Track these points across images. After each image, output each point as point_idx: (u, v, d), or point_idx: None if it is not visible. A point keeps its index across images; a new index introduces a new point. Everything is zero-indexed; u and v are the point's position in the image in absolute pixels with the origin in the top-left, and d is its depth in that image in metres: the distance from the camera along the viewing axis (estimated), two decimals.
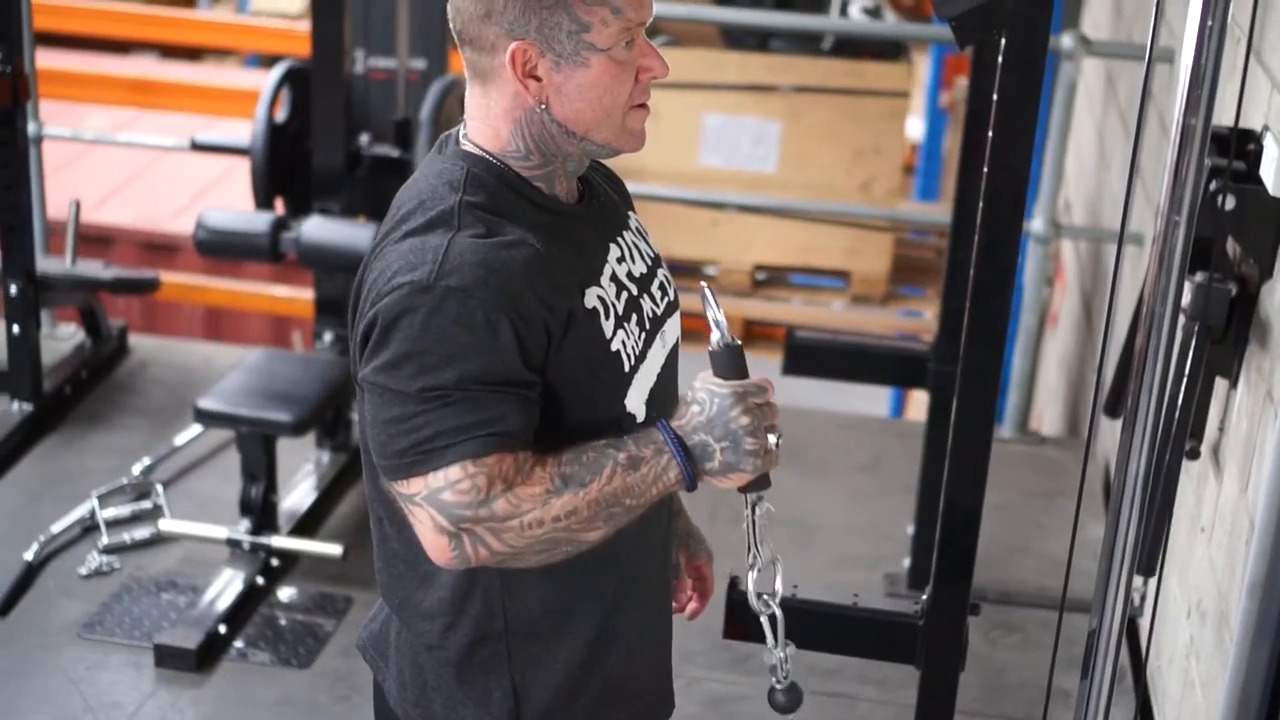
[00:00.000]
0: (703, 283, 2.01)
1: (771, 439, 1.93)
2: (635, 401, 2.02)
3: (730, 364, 1.94)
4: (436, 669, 2.07)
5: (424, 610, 2.05)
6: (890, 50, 7.21)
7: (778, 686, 2.11)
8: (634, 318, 2.03)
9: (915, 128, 9.34)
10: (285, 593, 4.19)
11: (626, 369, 2.00)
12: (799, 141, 6.87)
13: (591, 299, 1.96)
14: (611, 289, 2.01)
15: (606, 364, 1.98)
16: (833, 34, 7.18)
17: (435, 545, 1.88)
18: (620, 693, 2.10)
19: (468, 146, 2.00)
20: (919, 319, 7.27)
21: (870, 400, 7.37)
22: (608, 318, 1.98)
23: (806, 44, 7.13)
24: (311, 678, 3.88)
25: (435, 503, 1.86)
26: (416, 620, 2.07)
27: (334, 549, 4.17)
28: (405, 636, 2.10)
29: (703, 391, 1.93)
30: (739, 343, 1.96)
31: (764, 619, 2.09)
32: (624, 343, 2.00)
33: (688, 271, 7.02)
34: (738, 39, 7.15)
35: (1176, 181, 1.76)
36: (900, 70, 7.08)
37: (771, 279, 7.22)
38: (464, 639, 2.03)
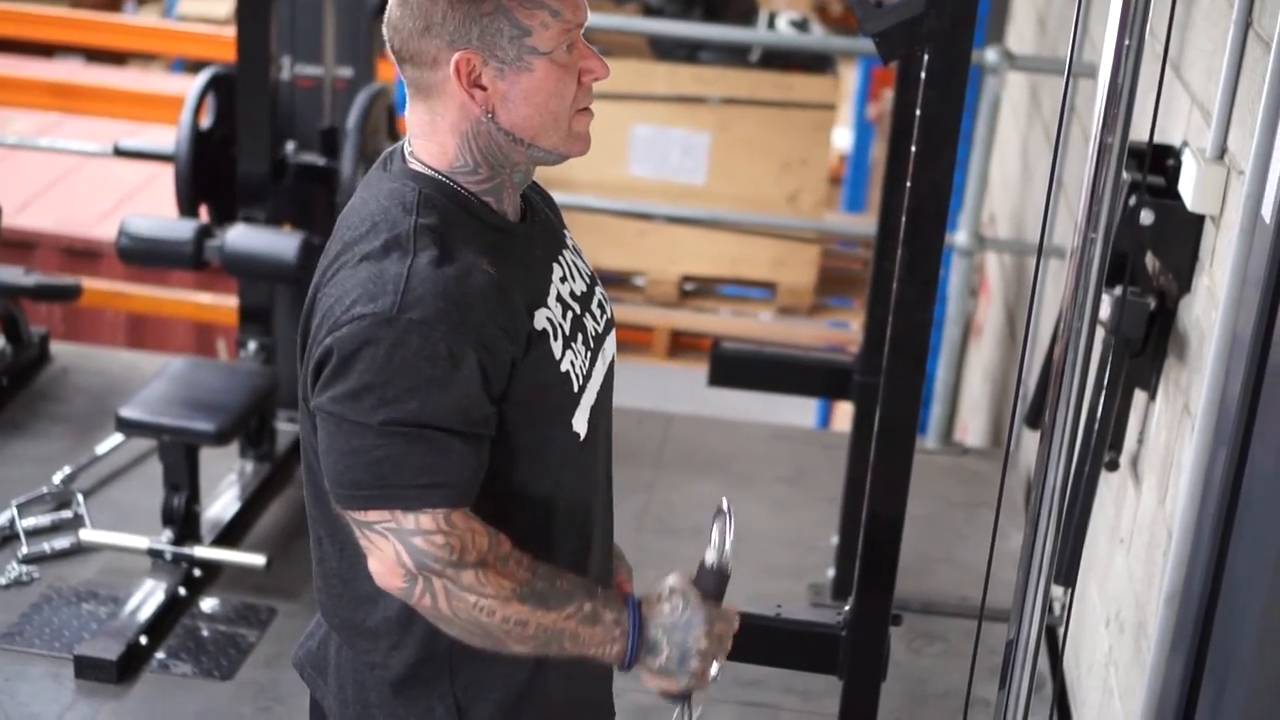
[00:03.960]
0: (725, 502, 2.04)
1: (714, 668, 2.00)
2: (580, 421, 2.03)
3: (715, 586, 2.00)
4: (379, 687, 2.06)
5: (367, 629, 2.05)
6: (817, 63, 7.27)
7: None
8: (579, 337, 2.04)
9: (843, 139, 9.39)
10: (208, 603, 4.15)
11: (575, 389, 2.01)
12: (727, 153, 6.89)
13: (541, 320, 1.97)
14: (558, 309, 2.02)
15: (557, 385, 1.99)
16: (761, 46, 7.22)
17: (390, 573, 1.90)
18: (562, 707, 2.10)
19: (415, 165, 1.98)
20: (845, 330, 7.31)
21: (797, 411, 7.40)
22: (556, 339, 1.98)
23: (735, 56, 7.17)
24: (234, 689, 3.85)
25: (405, 542, 1.87)
26: (359, 639, 2.06)
27: (257, 559, 4.14)
28: (346, 655, 2.09)
29: (680, 597, 1.98)
30: (730, 572, 2.01)
31: None
32: (572, 363, 2.00)
33: (616, 282, 7.03)
34: (667, 50, 7.18)
35: (1093, 198, 1.79)
36: (827, 83, 7.12)
37: (699, 290, 7.24)
38: (408, 658, 2.03)
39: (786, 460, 5.26)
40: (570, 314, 2.03)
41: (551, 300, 2.01)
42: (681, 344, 7.24)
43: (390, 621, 2.02)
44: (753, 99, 6.92)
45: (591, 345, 2.07)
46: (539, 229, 2.09)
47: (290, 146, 4.70)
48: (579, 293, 2.09)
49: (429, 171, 1.97)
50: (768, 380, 4.46)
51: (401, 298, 1.84)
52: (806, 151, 6.97)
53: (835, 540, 4.33)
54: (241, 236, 4.35)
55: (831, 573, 4.35)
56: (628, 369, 6.44)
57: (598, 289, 2.16)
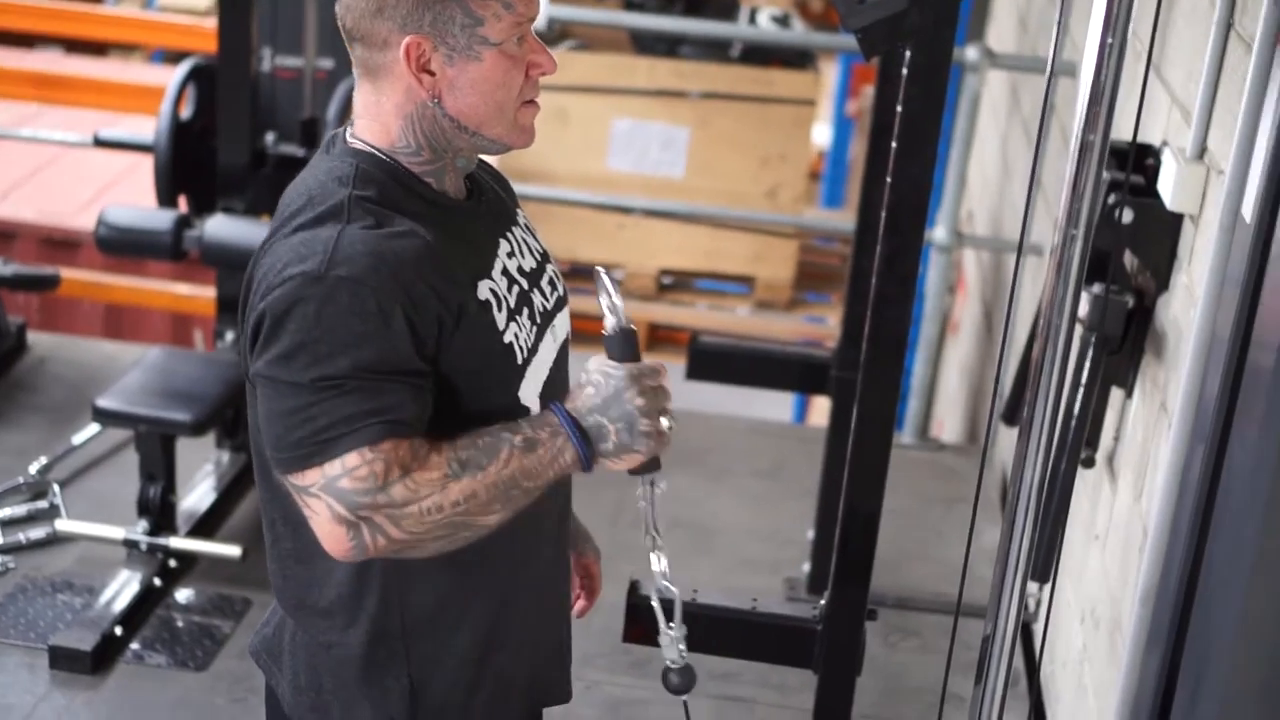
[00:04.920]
0: (599, 268, 2.03)
1: (664, 421, 1.96)
2: (529, 394, 2.04)
3: (625, 347, 1.97)
4: (334, 669, 2.06)
5: (321, 609, 2.05)
6: (798, 59, 7.26)
7: (672, 667, 2.13)
8: (525, 311, 2.05)
9: (822, 135, 9.40)
10: (183, 594, 4.15)
11: (519, 361, 2.02)
12: (707, 147, 6.90)
13: (484, 291, 1.98)
14: (503, 282, 2.02)
15: (499, 356, 1.99)
16: (741, 41, 7.22)
17: (333, 536, 1.88)
18: (515, 684, 2.10)
19: (356, 144, 2.00)
20: (822, 325, 7.32)
21: (773, 406, 7.41)
22: (500, 310, 1.99)
23: (715, 51, 7.17)
24: (208, 680, 3.85)
25: (333, 491, 1.85)
26: (313, 619, 2.06)
27: (233, 550, 4.14)
28: (301, 639, 2.09)
29: (597, 374, 1.96)
30: (633, 327, 2.00)
31: (656, 602, 2.10)
32: (516, 335, 2.01)
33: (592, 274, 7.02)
34: (647, 44, 7.17)
35: (1074, 195, 1.79)
36: (808, 78, 7.13)
37: (677, 284, 7.24)
38: (361, 637, 2.03)
39: (763, 454, 5.27)
40: (517, 288, 2.04)
41: (496, 273, 2.02)
42: (659, 337, 7.25)
43: (342, 599, 2.02)
44: (733, 94, 6.92)
45: (539, 320, 2.08)
46: (485, 207, 2.10)
47: (270, 137, 4.70)
48: (528, 269, 2.10)
49: (369, 149, 1.98)
50: (746, 374, 4.46)
51: (330, 256, 1.85)
52: (786, 147, 6.97)
53: (811, 535, 4.34)
54: (220, 227, 4.34)
55: (807, 567, 4.36)
56: (590, 358, 6.39)
57: (549, 266, 2.17)
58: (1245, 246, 1.84)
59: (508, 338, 2.00)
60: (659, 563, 2.08)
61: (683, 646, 2.12)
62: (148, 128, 4.74)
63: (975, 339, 6.65)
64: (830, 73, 9.36)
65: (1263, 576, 1.80)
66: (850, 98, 9.38)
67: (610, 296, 1.99)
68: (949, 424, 6.96)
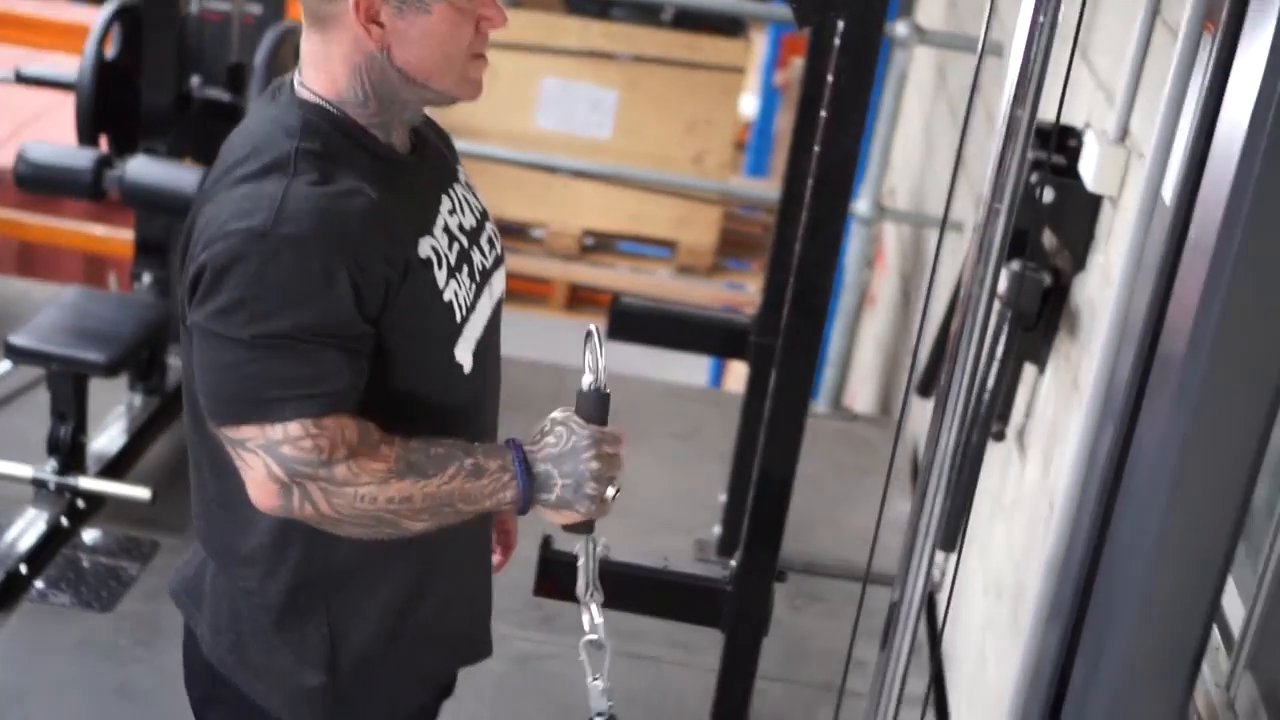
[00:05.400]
0: (593, 326, 2.03)
1: (610, 490, 1.98)
2: (464, 352, 2.04)
3: (597, 409, 1.98)
4: (253, 615, 2.06)
5: (243, 556, 2.04)
6: (729, 26, 7.27)
7: (597, 718, 2.12)
8: (465, 269, 2.04)
9: (749, 106, 9.42)
10: (90, 535, 4.12)
11: (458, 319, 2.01)
12: (634, 110, 6.90)
13: (425, 249, 1.97)
14: (444, 240, 2.02)
15: (438, 314, 1.99)
16: (673, 6, 7.21)
17: (264, 491, 1.88)
18: (436, 639, 2.11)
19: (303, 94, 1.98)
20: (743, 292, 7.36)
21: (690, 370, 7.44)
22: (440, 268, 1.99)
23: (646, 14, 7.16)
24: (113, 621, 3.83)
25: (274, 454, 1.86)
26: (235, 566, 2.06)
27: (142, 492, 4.11)
28: (222, 582, 2.09)
29: (562, 426, 1.96)
30: (608, 391, 2.00)
31: (584, 656, 2.11)
32: (456, 293, 2.01)
33: (517, 233, 7.02)
34: (579, 5, 7.16)
35: (1000, 170, 1.82)
36: (737, 46, 7.14)
37: (599, 245, 7.25)
38: (283, 585, 2.03)
39: (679, 417, 5.30)
40: (457, 245, 2.04)
41: (438, 230, 2.01)
42: (580, 298, 7.26)
43: (266, 548, 2.02)
44: (662, 58, 6.93)
45: (478, 279, 2.08)
46: (429, 162, 2.10)
47: (195, 81, 4.65)
48: (468, 226, 2.10)
49: (317, 100, 1.96)
50: (666, 336, 4.47)
51: (276, 214, 1.83)
52: (713, 113, 6.99)
53: (723, 498, 4.37)
54: (142, 168, 4.29)
55: (718, 530, 4.39)
56: (525, 320, 6.44)
57: (488, 225, 2.17)
58: (1164, 229, 1.87)
59: (447, 296, 2.00)
60: (596, 616, 2.07)
61: (611, 700, 2.12)
62: (71, 66, 4.68)
63: (892, 313, 6.71)
64: (760, 43, 9.37)
65: (1165, 554, 1.84)
66: (778, 68, 9.39)
67: (595, 355, 2.00)
68: (863, 396, 7.02)
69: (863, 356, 7.22)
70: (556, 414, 1.98)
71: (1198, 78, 1.84)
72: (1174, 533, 1.83)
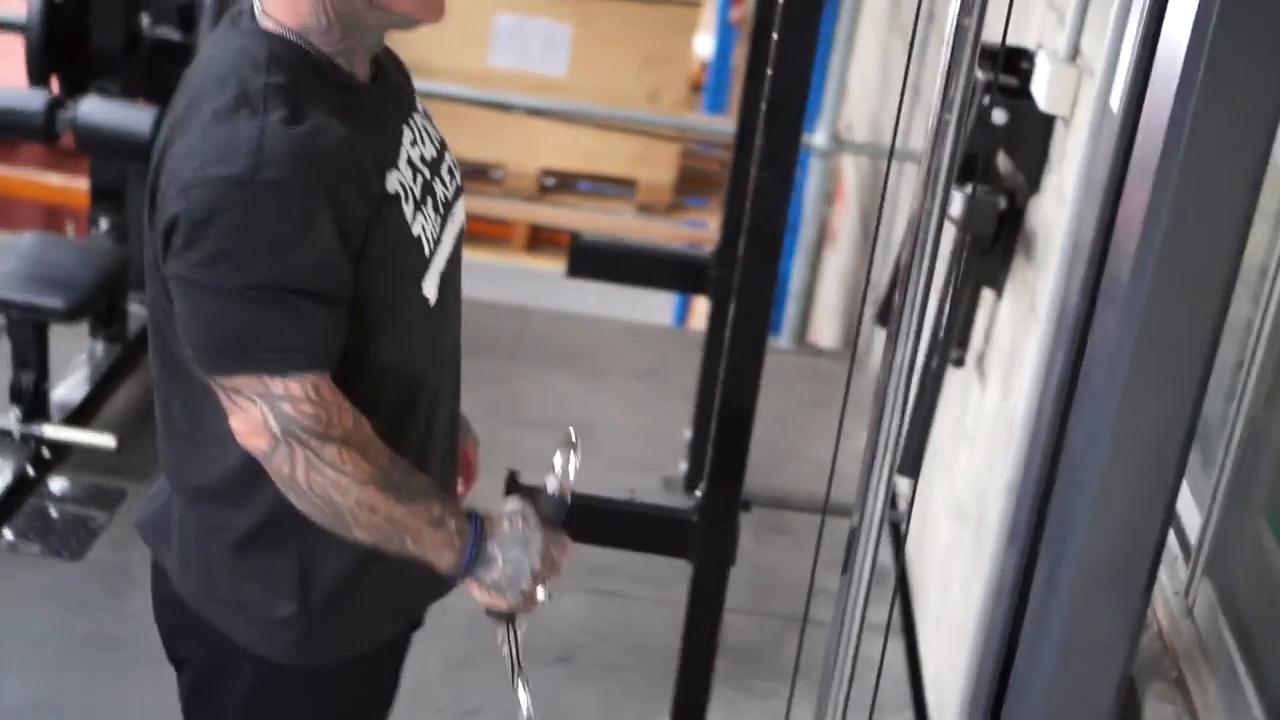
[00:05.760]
0: (571, 430, 2.06)
1: (542, 592, 2.03)
2: (430, 286, 2.04)
3: (557, 514, 2.04)
4: (222, 548, 2.06)
5: (212, 491, 2.04)
6: None
7: None
8: (430, 201, 2.04)
9: (705, 44, 9.39)
10: (57, 484, 4.12)
11: (427, 253, 2.01)
12: (589, 46, 6.87)
13: (392, 184, 1.96)
14: (408, 172, 2.01)
15: (408, 249, 1.98)
16: None
17: (254, 433, 1.89)
18: (407, 568, 2.13)
19: (266, 24, 1.95)
20: (703, 229, 7.36)
21: (654, 310, 7.46)
22: (407, 202, 1.98)
23: None
24: (83, 569, 3.83)
25: (273, 407, 1.87)
26: (204, 501, 2.06)
27: (108, 440, 4.10)
28: (190, 516, 2.09)
29: (521, 520, 2.00)
30: (570, 501, 2.05)
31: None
32: (424, 227, 2.00)
33: (474, 174, 7.00)
34: None
35: (948, 83, 1.82)
36: None
37: (558, 185, 7.23)
38: (253, 519, 2.03)
39: (642, 356, 5.31)
40: (420, 178, 2.04)
41: (402, 163, 2.01)
42: (541, 238, 7.25)
43: (237, 484, 2.01)
44: None
45: (442, 210, 2.07)
46: (389, 91, 2.08)
47: (146, 19, 4.61)
48: (429, 157, 2.09)
49: (280, 30, 1.94)
50: (626, 273, 4.48)
51: (255, 158, 1.81)
52: (669, 49, 6.97)
53: (688, 435, 4.39)
54: (94, 109, 4.26)
55: (684, 466, 4.41)
56: (486, 262, 6.43)
57: (447, 154, 2.17)
58: (1111, 141, 1.88)
59: (415, 230, 1.99)
60: (525, 697, 2.10)
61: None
62: (19, 6, 4.63)
63: (853, 248, 6.72)
64: None
65: (1117, 465, 1.86)
66: (734, 4, 9.36)
67: (570, 463, 2.04)
68: (827, 331, 7.05)
69: (826, 292, 7.24)
70: (519, 505, 2.03)
71: None
72: (1125, 443, 1.84)
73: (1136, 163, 1.82)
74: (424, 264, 2.01)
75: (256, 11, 1.96)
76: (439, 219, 2.05)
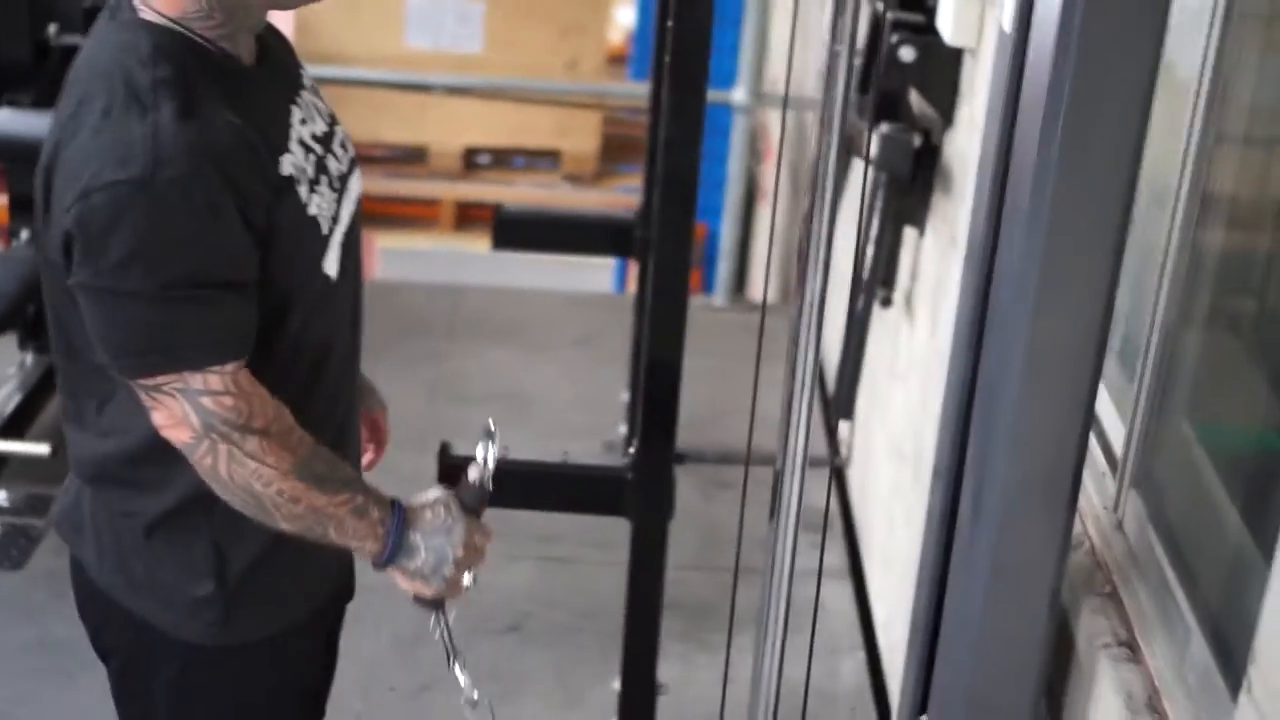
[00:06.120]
0: (490, 422, 2.07)
1: (467, 578, 2.04)
2: (331, 264, 2.03)
3: (477, 502, 2.06)
4: (136, 533, 2.05)
5: (123, 479, 2.03)
6: None
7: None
8: (324, 180, 2.03)
9: (628, 16, 9.37)
10: None
11: (325, 231, 2.01)
12: (503, 21, 6.86)
13: (287, 167, 1.95)
14: (300, 153, 2.00)
15: (306, 229, 1.98)
16: None
17: (175, 429, 1.88)
18: (321, 552, 2.12)
19: (146, 14, 1.92)
20: (634, 195, 7.35)
21: (595, 279, 7.46)
22: (301, 184, 1.97)
23: None
24: (26, 578, 3.81)
25: (193, 402, 1.86)
26: (115, 489, 2.05)
27: (41, 449, 4.07)
28: (102, 506, 2.08)
29: (444, 508, 2.02)
30: (491, 489, 2.07)
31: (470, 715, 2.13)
32: (320, 207, 1.99)
33: (399, 158, 6.97)
34: None
35: (837, 18, 1.82)
36: None
37: (484, 163, 7.22)
38: (163, 504, 2.02)
39: (578, 324, 5.31)
40: (313, 156, 2.02)
41: (294, 144, 1.99)
42: (469, 216, 7.23)
43: (144, 469, 2.01)
44: None
45: (337, 186, 2.07)
46: (275, 71, 2.07)
47: (53, 28, 4.56)
48: (320, 134, 2.08)
49: (161, 20, 1.91)
50: (551, 241, 4.47)
51: (153, 158, 1.80)
52: (584, 18, 6.97)
53: (625, 397, 4.39)
54: (7, 120, 4.22)
55: (623, 429, 4.40)
56: (415, 244, 6.38)
57: (338, 129, 2.15)
58: (1007, 59, 1.88)
59: (311, 210, 1.98)
60: (465, 679, 2.10)
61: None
62: None
63: (785, 203, 6.72)
64: None
65: (1030, 381, 1.87)
66: None
67: (489, 452, 2.05)
68: (766, 286, 7.05)
69: (761, 248, 7.24)
70: (440, 494, 2.04)
71: None
72: (1036, 364, 1.86)
73: (1029, 82, 1.83)
74: (323, 243, 2.00)
75: (135, 2, 1.94)
76: (335, 195, 2.05)
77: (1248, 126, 2.17)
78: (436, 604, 2.08)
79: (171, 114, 1.83)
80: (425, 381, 4.76)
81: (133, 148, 1.80)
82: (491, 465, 2.06)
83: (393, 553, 1.99)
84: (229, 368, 1.86)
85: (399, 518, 1.99)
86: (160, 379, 1.86)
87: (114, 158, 1.80)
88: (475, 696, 2.11)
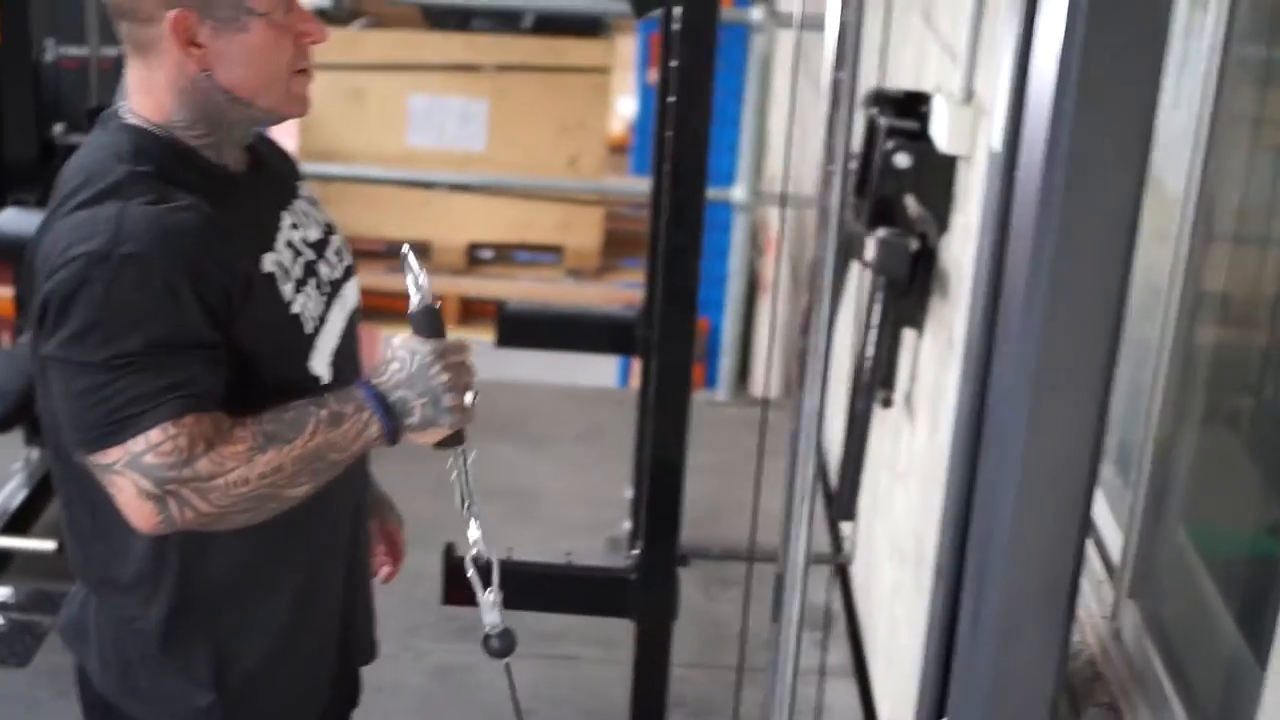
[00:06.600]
0: (405, 247, 2.03)
1: (468, 397, 1.98)
2: (320, 364, 2.06)
3: (429, 324, 1.99)
4: (139, 642, 2.06)
5: (121, 585, 2.05)
6: (589, 27, 7.33)
7: (492, 633, 2.14)
8: (313, 281, 2.07)
9: (628, 106, 9.46)
10: (0, 592, 4.10)
11: (308, 331, 2.03)
12: (505, 119, 6.93)
13: (268, 264, 1.99)
14: (288, 254, 2.04)
15: (287, 327, 2.01)
16: (532, 12, 7.25)
17: (140, 511, 1.88)
18: (323, 652, 2.13)
19: (131, 120, 1.99)
20: (636, 290, 7.39)
21: (597, 374, 7.48)
22: (286, 281, 2.01)
23: (507, 23, 7.20)
24: (30, 675, 3.81)
25: (138, 467, 1.85)
26: (115, 595, 2.07)
27: (47, 545, 4.10)
28: (105, 614, 2.09)
29: (403, 350, 1.97)
30: (438, 305, 2.02)
31: (473, 571, 2.11)
32: (305, 306, 2.03)
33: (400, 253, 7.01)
34: (439, 19, 7.17)
35: (831, 134, 1.86)
36: (600, 46, 7.21)
37: (486, 258, 7.27)
38: (163, 608, 2.04)
39: (583, 418, 5.33)
40: (301, 259, 2.06)
41: (280, 245, 2.03)
42: (472, 310, 7.27)
43: (144, 573, 2.02)
44: (527, 65, 6.97)
45: (327, 290, 2.10)
46: (266, 179, 2.11)
47: (58, 128, 4.63)
48: (312, 239, 2.11)
49: (145, 125, 1.98)
50: (555, 338, 4.50)
51: (115, 234, 1.84)
52: (584, 115, 7.05)
53: (629, 493, 4.40)
54: (12, 219, 4.27)
55: (628, 525, 4.41)
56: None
57: (335, 237, 2.19)
58: (998, 176, 1.92)
59: (295, 308, 2.01)
60: (475, 530, 2.09)
61: (499, 615, 2.12)
62: None
63: (787, 297, 6.76)
64: (631, 42, 9.42)
65: (1025, 498, 1.89)
66: (651, 66, 9.43)
67: (415, 274, 2.00)
68: (768, 381, 7.07)
69: (763, 342, 7.28)
70: (395, 339, 1.99)
71: (1010, 26, 1.89)
72: (1032, 472, 1.87)
73: (1019, 197, 1.87)
74: (306, 341, 2.03)
75: (122, 111, 2.00)
76: (324, 298, 2.08)
77: (1236, 226, 2.22)
78: (457, 439, 2.02)
79: (141, 201, 1.88)
80: (427, 477, 4.76)
81: (97, 225, 1.85)
82: (425, 283, 1.99)
83: (389, 423, 1.94)
84: (163, 417, 1.85)
85: (371, 393, 1.94)
86: (111, 454, 1.86)
87: (80, 235, 1.86)
88: (482, 549, 2.07)
